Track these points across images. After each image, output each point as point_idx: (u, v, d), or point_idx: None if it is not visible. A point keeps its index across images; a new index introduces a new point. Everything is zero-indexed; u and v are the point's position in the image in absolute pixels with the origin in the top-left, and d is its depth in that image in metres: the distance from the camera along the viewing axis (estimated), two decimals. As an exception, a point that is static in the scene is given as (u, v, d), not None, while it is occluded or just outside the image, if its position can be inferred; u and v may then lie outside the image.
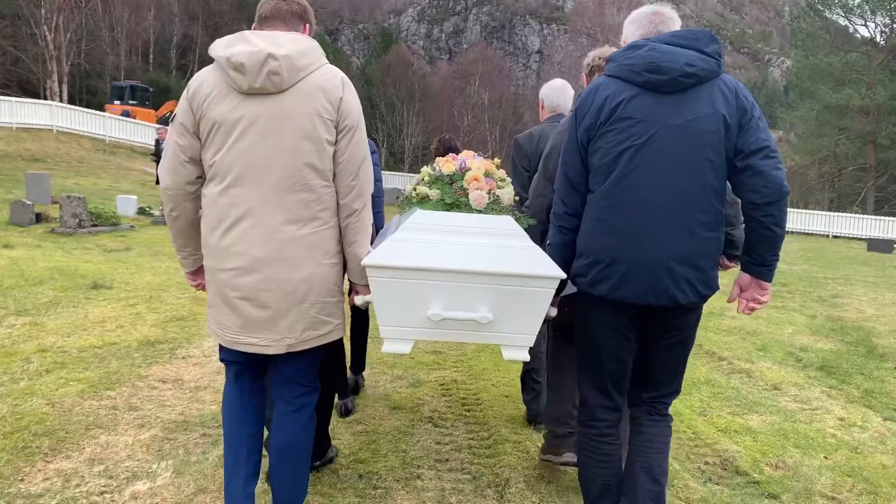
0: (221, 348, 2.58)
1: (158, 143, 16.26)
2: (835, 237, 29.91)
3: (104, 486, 3.05)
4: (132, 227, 12.29)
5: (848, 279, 13.00)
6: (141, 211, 14.19)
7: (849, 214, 31.86)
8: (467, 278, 2.16)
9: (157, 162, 15.88)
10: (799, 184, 38.49)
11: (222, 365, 2.55)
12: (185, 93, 2.35)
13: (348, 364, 4.17)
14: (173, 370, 4.68)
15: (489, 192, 2.78)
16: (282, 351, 2.37)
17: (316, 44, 2.39)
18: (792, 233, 30.52)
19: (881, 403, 4.93)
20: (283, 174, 2.28)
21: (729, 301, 2.54)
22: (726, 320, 7.85)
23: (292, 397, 2.57)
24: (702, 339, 6.66)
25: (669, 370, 2.55)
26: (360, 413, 4.07)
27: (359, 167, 2.41)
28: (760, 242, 2.32)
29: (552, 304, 2.54)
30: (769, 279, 2.39)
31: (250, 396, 2.61)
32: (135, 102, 34.55)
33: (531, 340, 2.29)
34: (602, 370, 2.52)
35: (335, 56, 56.09)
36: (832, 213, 31.96)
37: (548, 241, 2.60)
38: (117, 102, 34.23)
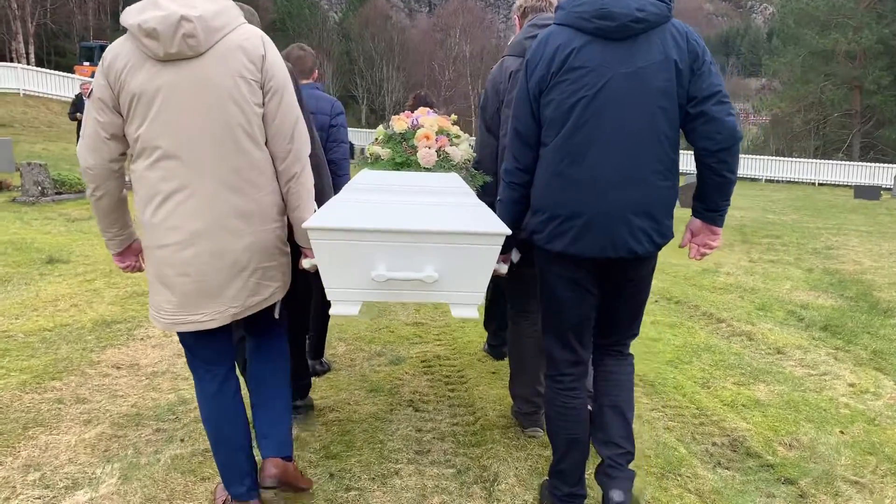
0: (184, 344, 2.49)
1: (80, 98, 14.38)
2: (821, 185, 29.70)
3: (38, 498, 2.68)
4: (99, 193, 11.72)
5: (840, 228, 12.73)
6: (109, 176, 13.58)
7: (835, 161, 31.63)
8: (410, 238, 2.08)
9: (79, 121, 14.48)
10: (784, 131, 38.13)
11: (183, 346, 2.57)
12: (99, 67, 2.21)
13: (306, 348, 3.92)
14: (129, 354, 4.28)
15: (439, 150, 2.63)
16: (227, 322, 2.31)
17: (232, 3, 2.28)
18: (777, 181, 30.40)
19: (892, 365, 4.61)
20: (213, 141, 2.19)
21: (681, 246, 2.55)
22: (721, 277, 7.53)
23: (260, 332, 2.60)
24: (698, 299, 6.34)
25: (628, 317, 2.59)
26: (333, 398, 3.70)
27: (292, 129, 2.34)
28: (713, 189, 2.33)
29: (503, 262, 2.63)
30: (720, 224, 2.40)
31: (230, 396, 2.51)
32: (105, 63, 33.30)
33: (480, 298, 2.22)
34: (564, 324, 2.52)
35: (310, 11, 54.60)
36: (818, 161, 31.69)
37: (498, 198, 2.57)
38: (87, 63, 32.97)
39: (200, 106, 2.16)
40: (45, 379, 3.80)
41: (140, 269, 2.57)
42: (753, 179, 30.48)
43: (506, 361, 4.28)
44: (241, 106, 2.20)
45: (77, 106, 14.51)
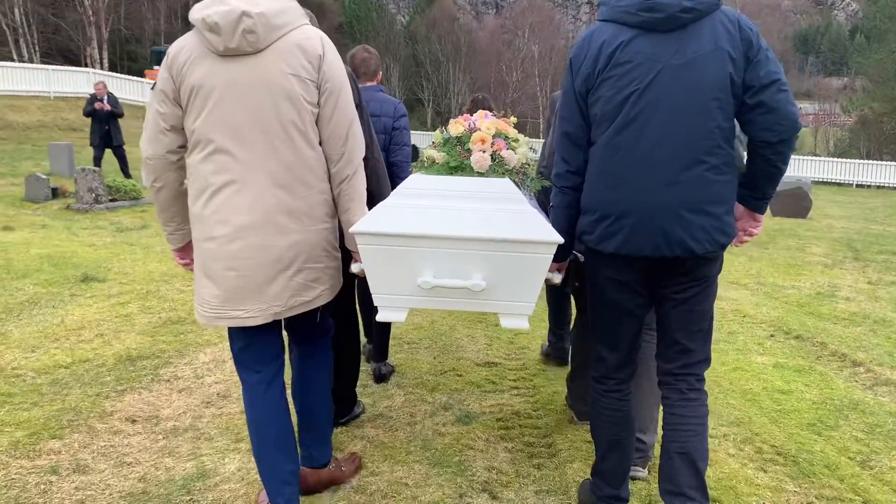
0: (232, 346, 2.50)
1: (94, 98, 13.80)
2: (919, 190, 27.57)
3: None
4: (155, 200, 11.27)
5: (961, 243, 11.31)
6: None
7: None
8: (458, 244, 2.04)
9: (92, 117, 13.81)
10: (876, 133, 35.71)
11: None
12: (164, 60, 2.26)
13: (366, 356, 4.15)
14: (151, 401, 3.60)
15: (494, 154, 2.60)
16: (268, 320, 2.30)
17: (295, 3, 2.31)
18: (868, 186, 28.42)
19: None
20: (265, 137, 2.21)
21: None
22: (840, 303, 6.47)
23: (304, 342, 2.66)
24: (822, 334, 5.33)
25: (691, 328, 2.36)
26: (388, 475, 2.92)
27: (347, 132, 2.34)
28: (765, 179, 2.25)
29: (557, 270, 2.55)
30: (763, 212, 2.35)
31: (275, 399, 2.50)
32: (175, 67, 33.57)
33: (530, 308, 2.16)
34: (616, 329, 2.44)
35: (378, 14, 54.54)
36: (915, 165, 29.37)
37: (551, 204, 2.50)
38: (157, 67, 33.41)
39: (255, 102, 2.18)
40: (44, 437, 3.14)
41: None
42: (844, 184, 28.53)
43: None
44: (295, 104, 2.22)
45: (90, 103, 13.84)
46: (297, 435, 2.64)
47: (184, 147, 2.31)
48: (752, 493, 2.88)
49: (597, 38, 2.23)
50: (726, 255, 9.61)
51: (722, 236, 2.18)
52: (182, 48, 2.22)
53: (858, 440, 3.44)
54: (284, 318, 2.42)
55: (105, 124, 13.78)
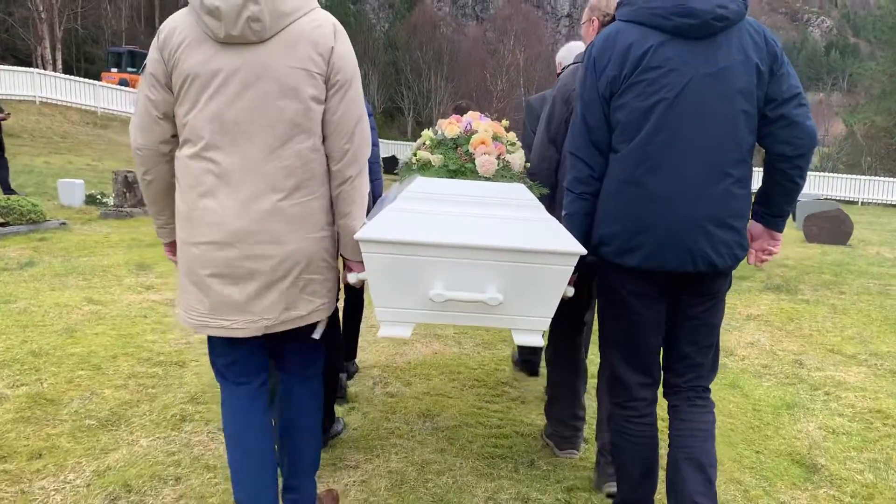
0: (212, 356, 2.26)
1: None
2: (928, 209, 25.96)
3: None
4: (63, 223, 8.85)
5: None
6: (90, 199, 10.71)
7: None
8: (474, 254, 1.94)
9: None
10: (878, 148, 34.21)
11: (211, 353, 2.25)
12: (154, 41, 2.05)
13: None
14: None
15: (498, 158, 2.49)
16: (258, 333, 2.10)
17: None
18: (871, 204, 26.87)
19: None
20: (265, 136, 2.01)
21: None
22: None
23: (293, 369, 2.38)
24: None
25: (702, 343, 2.32)
26: None
27: (353, 128, 2.13)
28: (782, 195, 2.21)
29: (570, 283, 2.34)
30: (782, 229, 2.29)
31: (260, 412, 2.26)
32: (134, 70, 31.11)
33: (546, 324, 2.05)
34: (640, 344, 2.31)
35: (356, 19, 52.75)
36: (926, 182, 27.82)
37: (564, 212, 2.33)
38: (114, 70, 31.14)
39: (257, 97, 1.97)
40: None
41: None
42: (849, 202, 26.86)
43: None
44: (301, 102, 2.01)
45: None
46: (280, 480, 2.32)
47: (176, 137, 2.07)
48: None
49: (622, 40, 2.11)
50: (803, 307, 7.61)
51: (741, 251, 2.17)
52: (175, 28, 1.98)
53: None
54: (271, 341, 2.22)
55: None
